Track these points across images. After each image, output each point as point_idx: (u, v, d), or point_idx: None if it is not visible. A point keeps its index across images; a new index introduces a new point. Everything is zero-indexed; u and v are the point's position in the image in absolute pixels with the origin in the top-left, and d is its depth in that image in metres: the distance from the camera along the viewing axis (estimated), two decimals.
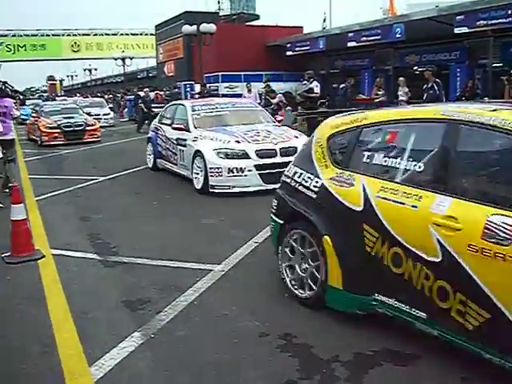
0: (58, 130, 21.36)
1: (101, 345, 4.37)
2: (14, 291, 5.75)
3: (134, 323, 4.77)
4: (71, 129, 21.63)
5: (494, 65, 20.18)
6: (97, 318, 4.95)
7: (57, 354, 4.27)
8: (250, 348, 4.28)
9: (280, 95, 22.97)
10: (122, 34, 64.38)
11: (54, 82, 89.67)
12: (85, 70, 76.97)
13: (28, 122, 25.17)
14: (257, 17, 44.55)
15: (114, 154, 18.13)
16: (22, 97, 26.13)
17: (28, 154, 18.38)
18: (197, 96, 24.57)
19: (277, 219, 5.48)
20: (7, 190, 9.74)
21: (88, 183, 12.33)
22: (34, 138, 22.74)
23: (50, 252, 6.98)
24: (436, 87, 13.80)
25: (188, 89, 27.59)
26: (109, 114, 31.66)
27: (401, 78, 21.05)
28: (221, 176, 10.36)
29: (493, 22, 17.72)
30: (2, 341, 4.57)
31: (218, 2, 49.83)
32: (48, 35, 62.13)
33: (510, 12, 16.74)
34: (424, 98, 14.63)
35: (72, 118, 22.20)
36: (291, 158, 6.42)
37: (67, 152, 18.93)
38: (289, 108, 21.77)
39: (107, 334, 4.58)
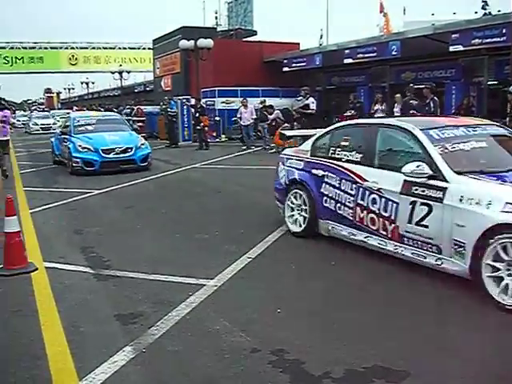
0: None
1: (92, 359, 4.35)
2: (6, 304, 5.73)
3: (126, 337, 4.75)
4: None
5: (489, 83, 20.34)
6: (88, 332, 4.92)
7: (47, 368, 4.25)
8: (241, 363, 4.26)
9: (277, 111, 23.05)
10: (119, 48, 64.68)
11: (51, 95, 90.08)
12: (82, 83, 77.13)
13: None
14: (254, 33, 44.66)
15: None
16: (14, 108, 26.38)
17: (23, 166, 18.41)
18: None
19: None
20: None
21: (82, 196, 12.32)
22: None
23: (44, 265, 6.97)
24: (432, 104, 13.89)
25: (184, 104, 27.55)
26: None
27: (397, 95, 21.15)
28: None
29: (487, 40, 17.91)
30: None
31: (216, 18, 49.99)
32: (46, 48, 62.34)
33: (504, 31, 16.89)
34: (419, 114, 14.72)
35: None
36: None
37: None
38: (286, 125, 21.82)
39: (98, 348, 4.56)
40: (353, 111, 21.94)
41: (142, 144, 17.10)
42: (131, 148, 16.46)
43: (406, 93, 17.80)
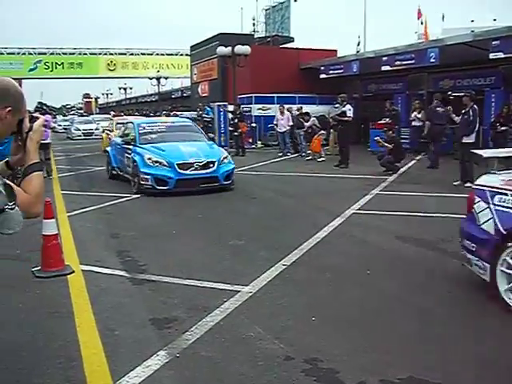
0: None
1: (126, 362, 4.38)
2: (43, 305, 5.80)
3: (160, 342, 4.77)
4: None
5: None
6: (123, 335, 4.95)
7: (82, 369, 4.29)
8: (274, 371, 4.23)
9: (314, 119, 22.94)
10: (157, 54, 65.34)
11: (90, 100, 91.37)
12: (120, 88, 78.16)
13: None
14: (291, 39, 44.53)
15: None
16: (54, 113, 26.31)
17: (62, 170, 18.67)
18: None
19: None
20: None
21: (119, 200, 12.44)
22: None
23: (80, 268, 7.03)
24: (471, 113, 13.67)
25: (222, 110, 27.63)
26: None
27: None
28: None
29: None
30: (29, 354, 4.60)
31: (253, 25, 50.05)
32: (85, 54, 63.40)
33: None
34: (458, 122, 14.54)
35: None
36: None
37: (100, 169, 19.12)
38: (322, 132, 21.73)
39: (133, 352, 4.59)
40: (387, 119, 21.85)
41: (225, 157, 13.94)
42: (213, 162, 13.32)
43: (434, 100, 18.71)
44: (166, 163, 13.11)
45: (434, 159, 17.66)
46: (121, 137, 16.17)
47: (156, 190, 12.92)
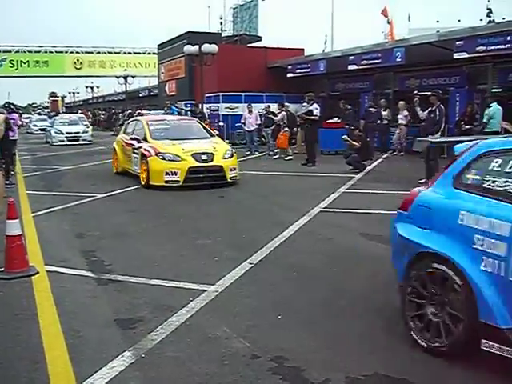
0: None
1: (91, 363, 4.34)
2: (6, 307, 5.72)
3: (125, 342, 4.74)
4: None
5: (493, 90, 20.33)
6: (88, 337, 4.91)
7: (46, 371, 4.24)
8: (240, 370, 4.24)
9: (284, 113, 22.82)
10: (124, 53, 64.85)
11: (56, 99, 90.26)
12: (87, 87, 77.44)
13: None
14: (259, 38, 44.52)
15: None
16: (21, 112, 25.54)
17: (27, 170, 18.42)
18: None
19: None
20: (12, 172, 15.66)
21: (85, 200, 12.31)
22: None
23: (45, 268, 6.95)
24: (438, 112, 13.84)
25: (188, 108, 27.59)
26: None
27: (401, 102, 21.24)
28: None
29: (492, 48, 17.88)
30: None
31: (221, 23, 50.01)
32: (51, 52, 62.65)
33: (508, 38, 16.90)
34: (421, 116, 14.80)
35: None
36: None
37: (66, 168, 18.92)
38: (286, 129, 21.70)
39: (98, 353, 4.55)
40: (336, 118, 22.32)
41: None
42: None
43: (368, 101, 20.81)
44: None
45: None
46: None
47: None
